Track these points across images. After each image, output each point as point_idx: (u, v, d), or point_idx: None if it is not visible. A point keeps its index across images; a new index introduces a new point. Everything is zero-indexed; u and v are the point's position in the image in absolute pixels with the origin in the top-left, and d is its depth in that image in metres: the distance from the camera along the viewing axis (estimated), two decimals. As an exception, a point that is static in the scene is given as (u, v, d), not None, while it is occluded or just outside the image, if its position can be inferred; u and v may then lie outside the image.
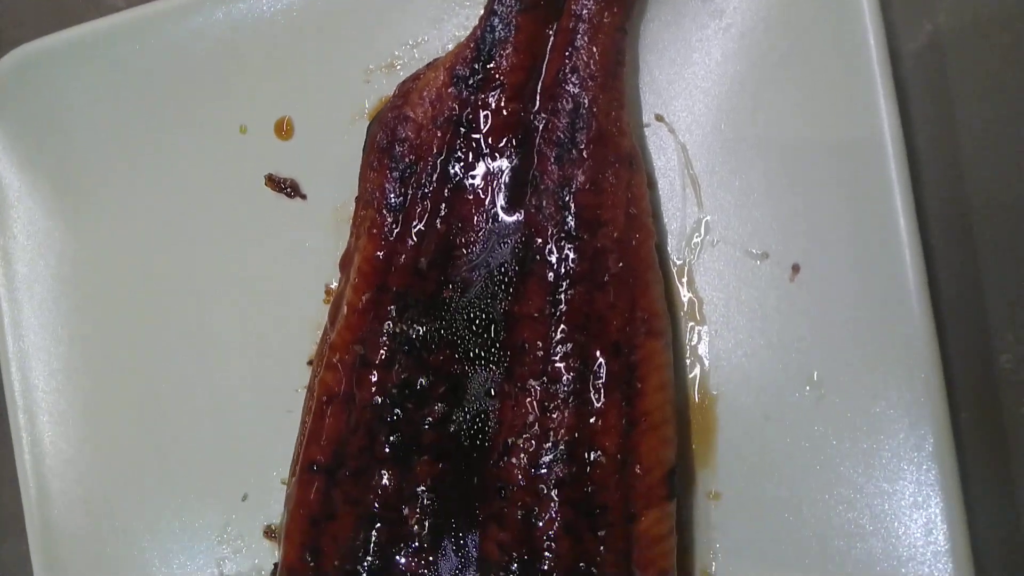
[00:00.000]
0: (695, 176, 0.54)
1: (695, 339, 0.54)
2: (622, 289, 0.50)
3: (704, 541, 0.54)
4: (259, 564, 0.64)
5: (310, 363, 0.62)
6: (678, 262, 0.55)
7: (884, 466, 0.50)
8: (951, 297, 0.54)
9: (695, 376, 0.54)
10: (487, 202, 0.53)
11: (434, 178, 0.54)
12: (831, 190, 0.51)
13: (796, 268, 0.52)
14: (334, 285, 0.62)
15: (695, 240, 0.54)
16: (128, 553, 0.65)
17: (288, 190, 0.62)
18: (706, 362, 0.54)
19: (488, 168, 0.53)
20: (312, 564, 0.55)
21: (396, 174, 0.54)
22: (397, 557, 0.54)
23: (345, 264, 0.58)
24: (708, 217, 0.54)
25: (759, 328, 0.52)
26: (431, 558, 0.54)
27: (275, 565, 0.60)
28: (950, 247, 0.54)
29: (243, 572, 0.64)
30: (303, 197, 0.62)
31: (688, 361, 0.54)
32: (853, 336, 0.50)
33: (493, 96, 0.54)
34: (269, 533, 0.64)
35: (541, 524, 0.50)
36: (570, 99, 0.52)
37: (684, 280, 0.54)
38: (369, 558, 0.54)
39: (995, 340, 0.53)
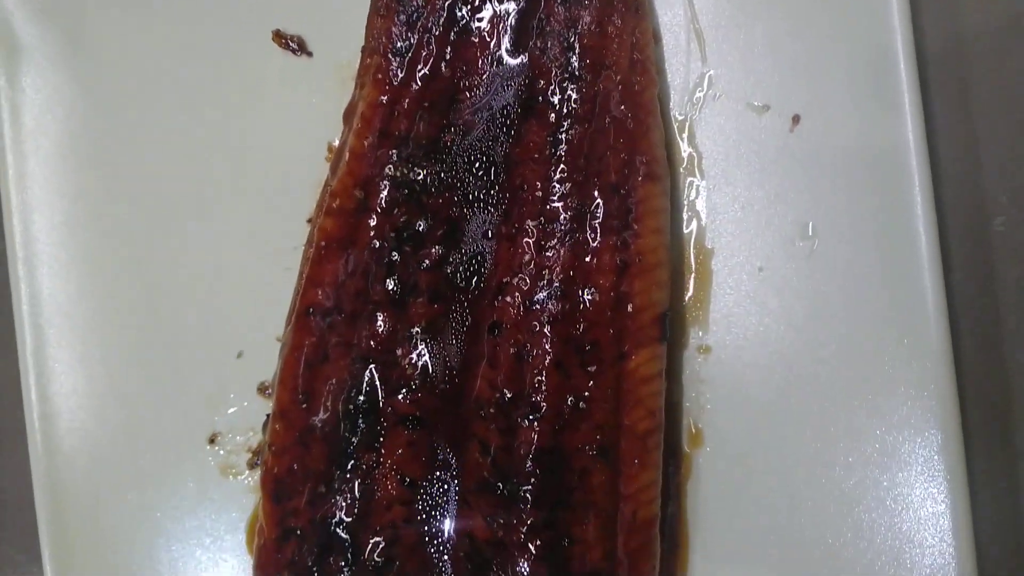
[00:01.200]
0: (700, 30, 0.54)
1: (693, 194, 0.55)
2: (622, 132, 0.51)
3: (694, 396, 0.55)
4: (252, 422, 0.65)
5: (310, 221, 0.62)
6: (680, 117, 0.55)
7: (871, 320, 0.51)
8: (948, 159, 0.54)
9: (691, 231, 0.55)
10: (492, 45, 0.53)
11: (440, 22, 0.54)
12: (834, 42, 0.51)
13: (796, 119, 0.52)
14: (336, 143, 0.62)
15: (697, 95, 0.55)
16: (120, 411, 0.65)
17: (294, 47, 0.62)
18: (703, 217, 0.54)
19: (495, 11, 0.53)
20: (304, 406, 0.56)
21: (403, 18, 0.55)
22: (389, 397, 0.54)
23: (348, 115, 0.58)
24: (711, 71, 0.54)
25: (757, 180, 0.53)
26: (423, 398, 0.54)
27: (267, 417, 0.61)
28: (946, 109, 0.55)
29: (236, 429, 0.65)
30: (309, 54, 0.62)
31: (686, 216, 0.55)
32: (848, 187, 0.51)
33: (500, -59, 0.54)
34: (263, 390, 0.64)
35: (532, 360, 0.51)
36: (578, -56, 0.53)
37: (685, 135, 0.55)
38: (361, 398, 0.55)
39: (989, 203, 0.54)
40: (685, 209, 0.55)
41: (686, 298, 0.55)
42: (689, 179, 0.55)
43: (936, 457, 0.50)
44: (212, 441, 0.65)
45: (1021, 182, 0.54)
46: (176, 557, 0.64)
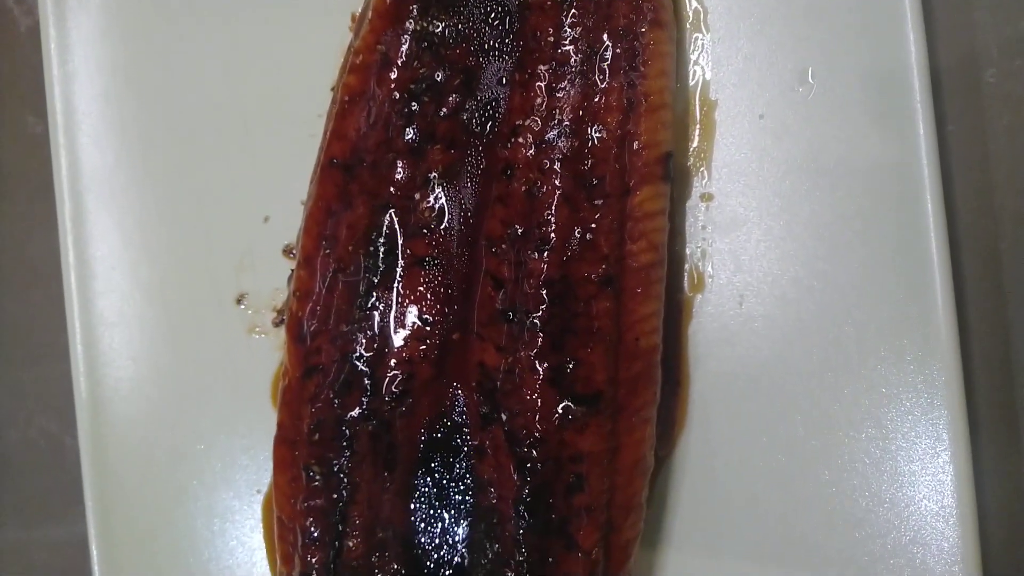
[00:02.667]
0: None
1: (699, 48, 0.57)
2: (631, -20, 0.54)
3: (696, 243, 0.58)
4: (277, 283, 0.68)
5: (333, 89, 0.66)
6: (686, -26, 0.58)
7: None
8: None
9: (696, 84, 0.58)
10: (507, -100, 0.56)
11: None
12: None
13: (797, -31, 0.55)
14: (359, 13, 0.65)
15: (702, -50, 0.57)
16: (153, 272, 0.69)
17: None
18: (707, 70, 0.57)
19: None
20: (328, 251, 0.59)
21: None
22: (407, 239, 0.58)
23: (372, -21, 0.61)
24: (714, -73, 0.57)
25: (759, 31, 0.56)
26: (439, 240, 0.57)
27: (291, 272, 0.64)
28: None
29: (262, 289, 0.68)
30: (333, -73, 0.65)
31: (691, 70, 0.58)
32: (844, 32, 0.53)
33: None
34: (288, 252, 0.68)
35: (542, 196, 0.54)
36: None
37: (692, -9, 0.58)
38: (381, 240, 0.58)
39: (982, 59, 0.56)
40: (691, 64, 0.57)
41: (690, 149, 0.57)
42: (695, 35, 0.57)
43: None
44: (239, 301, 0.69)
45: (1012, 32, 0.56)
46: (202, 413, 0.68)
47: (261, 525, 0.68)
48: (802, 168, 0.55)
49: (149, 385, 0.68)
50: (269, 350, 0.68)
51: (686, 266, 0.58)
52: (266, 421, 0.64)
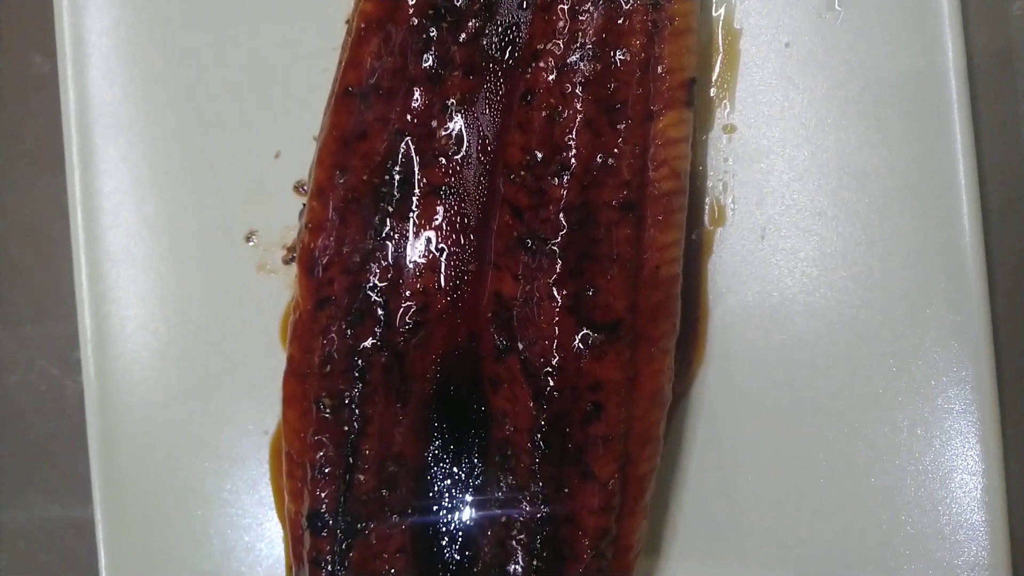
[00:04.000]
0: None
1: (723, -23, 0.56)
2: (655, -97, 0.53)
3: (718, 176, 0.57)
4: (288, 220, 0.67)
5: (347, 22, 0.64)
6: (712, -98, 0.57)
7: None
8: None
9: (720, 14, 0.57)
10: None
11: None
12: None
13: None
14: (376, -56, 0.64)
15: None
16: (161, 206, 0.67)
17: None
18: (733, -2, 0.56)
19: None
20: (341, 181, 0.58)
21: None
22: (423, 168, 0.56)
23: (390, -93, 0.60)
24: None
25: (784, -44, 0.55)
26: (457, 168, 0.56)
27: (302, 206, 0.63)
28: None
29: (271, 229, 0.67)
30: None
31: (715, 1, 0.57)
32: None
33: None
34: (299, 188, 0.67)
35: (563, 120, 0.53)
36: None
37: (717, -80, 0.57)
38: (397, 169, 0.57)
39: None
40: (716, -5, 0.57)
41: (713, 80, 0.57)
42: (719, -36, 0.56)
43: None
44: (248, 238, 0.67)
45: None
46: (209, 352, 0.67)
47: (268, 469, 0.68)
48: (828, 97, 0.54)
49: (156, 322, 0.67)
50: (279, 288, 0.67)
51: (707, 200, 0.57)
52: (275, 361, 0.62)
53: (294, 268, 0.64)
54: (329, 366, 0.57)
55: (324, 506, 0.57)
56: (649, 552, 0.59)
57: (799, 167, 0.55)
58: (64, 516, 0.78)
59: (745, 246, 0.56)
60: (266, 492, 0.66)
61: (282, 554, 0.67)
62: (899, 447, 0.54)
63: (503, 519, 0.54)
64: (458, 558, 0.56)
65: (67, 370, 0.79)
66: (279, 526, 0.67)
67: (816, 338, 0.55)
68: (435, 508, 0.56)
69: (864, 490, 0.55)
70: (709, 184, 0.57)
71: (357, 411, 0.56)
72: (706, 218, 0.57)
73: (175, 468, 0.67)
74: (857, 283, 0.54)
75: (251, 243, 0.67)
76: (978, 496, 0.53)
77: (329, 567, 0.57)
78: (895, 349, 0.54)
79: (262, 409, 0.66)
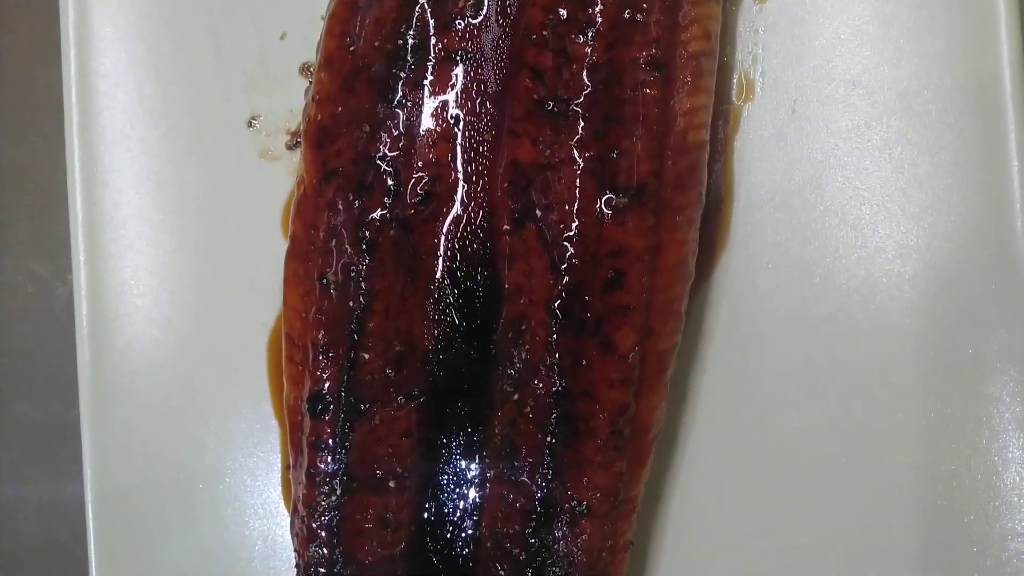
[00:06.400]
0: None
1: None
2: None
3: (747, 48, 0.55)
4: (292, 104, 0.64)
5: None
6: None
7: None
8: None
9: None
10: None
11: None
12: None
13: None
14: None
15: None
16: (152, 88, 0.64)
17: None
18: None
19: None
20: (352, 48, 0.55)
21: None
22: (439, 32, 0.54)
23: None
24: None
25: None
26: (474, 33, 0.53)
27: (309, 84, 0.61)
28: None
29: (275, 113, 0.64)
30: None
31: None
32: None
33: None
34: (304, 70, 0.64)
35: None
36: None
37: None
38: (411, 33, 0.54)
39: None
40: None
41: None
42: None
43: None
44: (250, 123, 0.64)
45: None
46: (208, 238, 0.64)
47: (266, 363, 0.65)
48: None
49: (151, 209, 0.64)
50: (281, 175, 0.64)
51: (734, 75, 0.55)
52: (276, 250, 0.60)
53: (298, 154, 0.61)
54: (334, 240, 0.54)
55: (326, 387, 0.54)
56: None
57: (832, 35, 0.52)
58: (49, 422, 0.76)
59: (774, 120, 0.54)
60: (266, 384, 0.63)
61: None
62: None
63: (515, 396, 0.52)
64: (466, 440, 0.53)
65: (57, 271, 0.76)
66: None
67: (844, 214, 0.53)
68: (443, 389, 0.54)
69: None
70: (738, 57, 0.54)
71: (364, 285, 0.53)
72: (733, 93, 0.55)
73: (169, 364, 0.64)
74: (890, 157, 0.52)
75: (253, 128, 0.64)
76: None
77: (330, 451, 0.55)
78: (925, 238, 0.52)
79: (262, 302, 0.63)
